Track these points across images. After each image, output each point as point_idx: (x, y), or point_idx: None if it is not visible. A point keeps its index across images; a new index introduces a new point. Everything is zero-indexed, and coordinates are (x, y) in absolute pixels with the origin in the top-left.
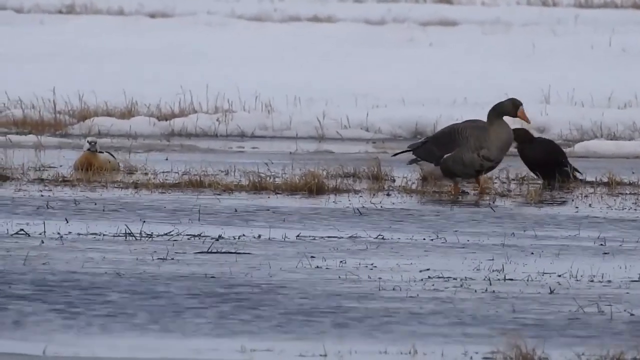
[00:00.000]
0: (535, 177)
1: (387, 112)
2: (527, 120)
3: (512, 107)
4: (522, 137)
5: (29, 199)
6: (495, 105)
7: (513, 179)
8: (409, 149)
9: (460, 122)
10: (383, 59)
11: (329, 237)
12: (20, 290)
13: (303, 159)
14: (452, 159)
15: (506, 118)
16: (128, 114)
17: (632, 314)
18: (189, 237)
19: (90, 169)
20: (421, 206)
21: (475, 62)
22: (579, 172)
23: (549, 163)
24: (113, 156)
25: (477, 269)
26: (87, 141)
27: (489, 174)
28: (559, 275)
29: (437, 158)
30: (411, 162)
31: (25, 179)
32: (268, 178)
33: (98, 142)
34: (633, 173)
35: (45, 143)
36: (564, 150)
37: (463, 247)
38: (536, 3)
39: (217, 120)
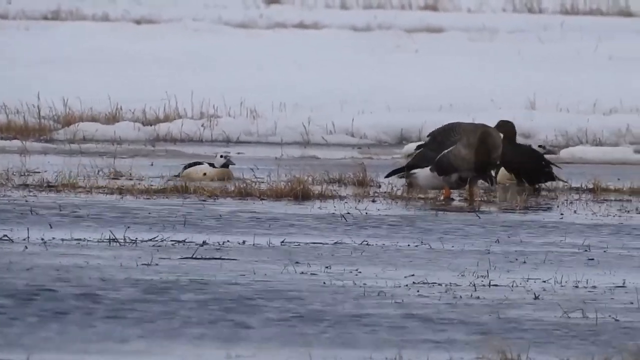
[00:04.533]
0: (519, 181)
1: (372, 118)
2: None
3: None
4: (506, 129)
5: (13, 204)
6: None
7: (498, 184)
8: (401, 167)
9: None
10: (369, 65)
11: (313, 243)
12: (3, 296)
13: (288, 165)
14: (452, 153)
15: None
16: (113, 119)
17: (616, 320)
18: (173, 243)
19: (227, 180)
20: (406, 212)
21: (461, 68)
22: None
23: (531, 166)
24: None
25: (462, 275)
26: (221, 155)
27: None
28: (544, 281)
29: (434, 158)
30: (403, 176)
31: (10, 185)
32: (253, 184)
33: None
34: (618, 179)
35: (30, 148)
36: (550, 156)
37: (448, 253)
38: (522, 10)
39: (202, 125)
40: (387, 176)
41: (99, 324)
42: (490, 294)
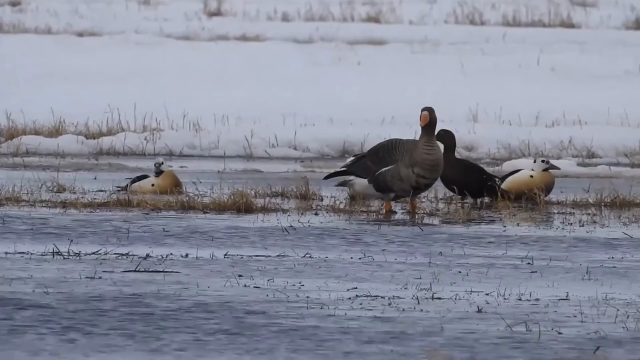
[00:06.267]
0: (460, 196)
1: (315, 131)
2: (421, 124)
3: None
4: (446, 140)
5: None
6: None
7: (441, 198)
8: (341, 169)
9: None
10: (311, 77)
11: (256, 256)
12: None
13: (231, 178)
14: (390, 173)
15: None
16: (56, 132)
17: (560, 333)
18: (117, 255)
19: (176, 188)
20: (349, 225)
21: (403, 81)
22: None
23: (470, 182)
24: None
25: (405, 288)
26: (167, 164)
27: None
28: (487, 294)
29: (373, 172)
30: (340, 184)
31: None
32: (196, 197)
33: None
34: (561, 192)
35: None
36: (492, 168)
37: (390, 266)
38: (464, 22)
39: (145, 139)
40: (326, 178)
41: (42, 337)
42: (434, 307)
